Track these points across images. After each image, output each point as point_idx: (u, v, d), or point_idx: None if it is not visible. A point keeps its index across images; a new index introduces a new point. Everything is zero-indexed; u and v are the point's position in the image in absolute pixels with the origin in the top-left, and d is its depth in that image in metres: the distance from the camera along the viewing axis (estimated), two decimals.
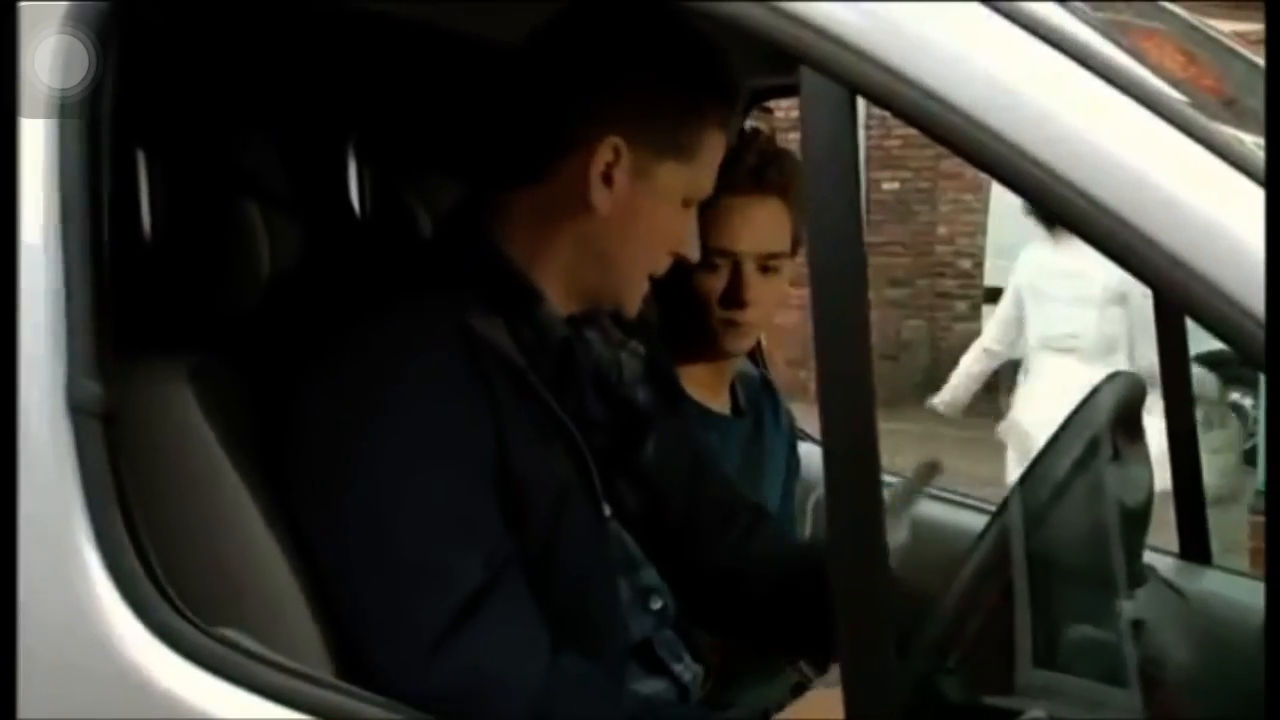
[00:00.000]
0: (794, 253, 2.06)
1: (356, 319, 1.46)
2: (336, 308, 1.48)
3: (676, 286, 1.95)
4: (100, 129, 1.26)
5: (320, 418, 1.40)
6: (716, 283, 2.01)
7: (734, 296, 2.01)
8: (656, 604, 1.63)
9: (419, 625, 1.33)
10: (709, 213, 1.60)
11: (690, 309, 2.02)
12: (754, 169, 2.00)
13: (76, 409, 1.24)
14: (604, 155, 1.46)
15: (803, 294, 1.16)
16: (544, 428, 1.47)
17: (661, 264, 1.56)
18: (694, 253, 1.58)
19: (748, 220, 1.99)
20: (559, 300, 1.53)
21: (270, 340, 1.50)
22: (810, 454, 2.36)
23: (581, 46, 1.50)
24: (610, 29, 1.50)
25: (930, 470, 1.78)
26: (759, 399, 2.26)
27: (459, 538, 1.37)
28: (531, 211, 1.51)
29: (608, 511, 1.59)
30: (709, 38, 1.49)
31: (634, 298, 1.57)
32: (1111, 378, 1.68)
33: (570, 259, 1.51)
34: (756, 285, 2.01)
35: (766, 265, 2.03)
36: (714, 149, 1.54)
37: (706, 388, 2.11)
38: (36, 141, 1.26)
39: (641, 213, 1.50)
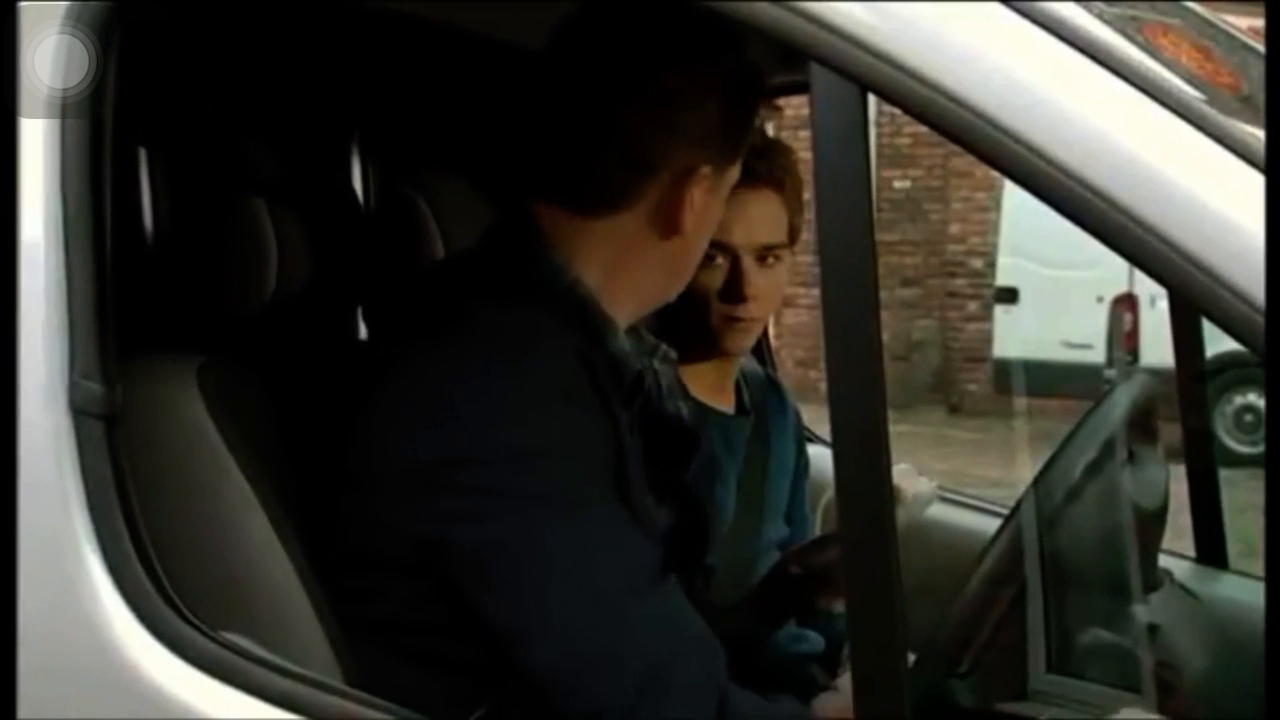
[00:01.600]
0: (792, 244, 2.04)
1: (443, 343, 1.38)
2: (402, 324, 1.45)
3: None
4: (102, 129, 1.26)
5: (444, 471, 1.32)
6: (716, 278, 1.99)
7: (734, 291, 2.00)
8: None
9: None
10: None
11: (690, 307, 2.00)
12: (746, 161, 1.99)
13: (78, 410, 1.23)
14: (700, 183, 1.43)
15: (812, 294, 1.15)
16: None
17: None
18: None
19: (743, 213, 1.97)
20: (624, 318, 1.49)
21: (287, 342, 1.49)
22: (821, 455, 2.34)
23: (617, 57, 1.42)
24: (646, 36, 1.42)
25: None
26: (764, 397, 2.24)
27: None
28: (610, 237, 1.44)
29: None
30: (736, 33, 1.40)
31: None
32: (1126, 380, 1.67)
33: (646, 279, 1.49)
34: (756, 279, 2.00)
35: (765, 257, 2.01)
36: None
37: (709, 386, 2.09)
38: (37, 142, 1.25)
39: (710, 219, 1.50)
